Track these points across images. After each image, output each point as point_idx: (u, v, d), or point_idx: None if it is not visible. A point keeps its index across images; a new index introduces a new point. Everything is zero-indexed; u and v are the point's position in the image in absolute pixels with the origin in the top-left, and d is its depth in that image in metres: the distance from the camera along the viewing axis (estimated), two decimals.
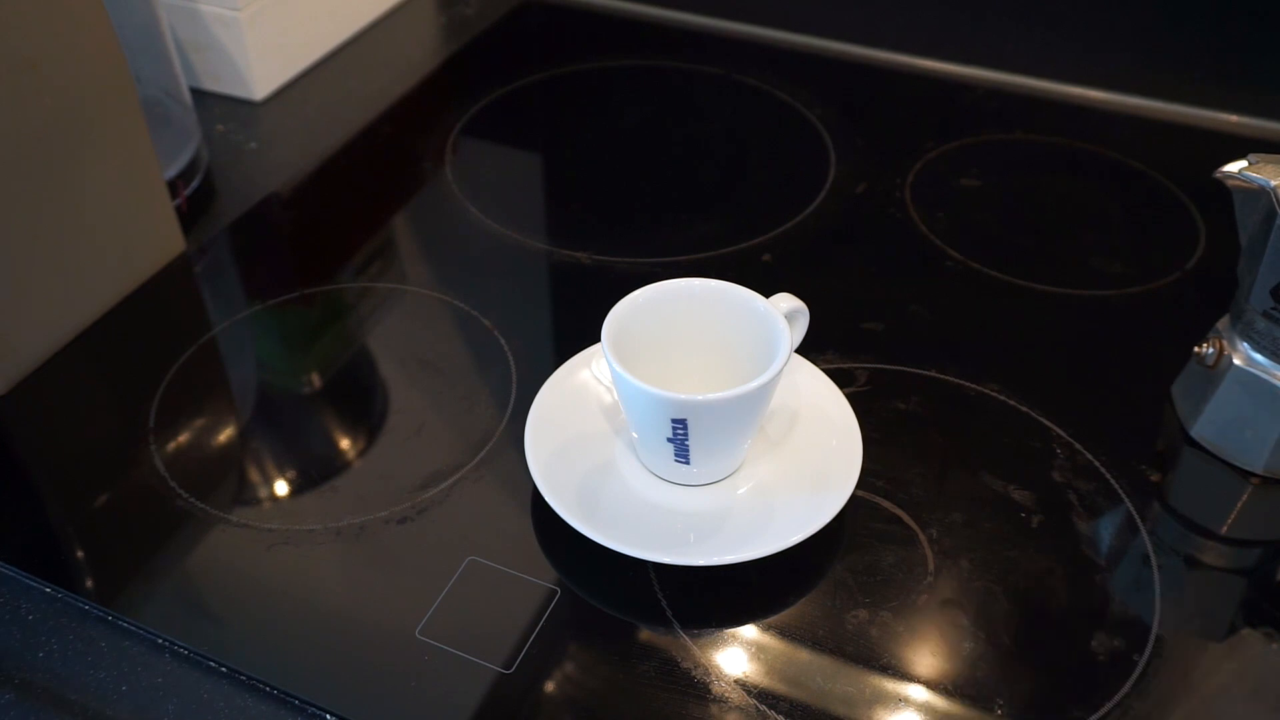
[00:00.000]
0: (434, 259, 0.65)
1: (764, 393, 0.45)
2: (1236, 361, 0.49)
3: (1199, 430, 0.51)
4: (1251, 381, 0.49)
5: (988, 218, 0.67)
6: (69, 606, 0.46)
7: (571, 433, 0.50)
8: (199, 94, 0.78)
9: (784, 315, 0.47)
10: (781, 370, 0.45)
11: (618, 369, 0.44)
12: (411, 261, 0.64)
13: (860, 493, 0.49)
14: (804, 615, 0.45)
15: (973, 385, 0.55)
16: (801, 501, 0.47)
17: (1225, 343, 0.50)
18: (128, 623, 0.45)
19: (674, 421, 0.44)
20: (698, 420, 0.44)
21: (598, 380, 0.52)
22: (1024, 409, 0.53)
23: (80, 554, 0.49)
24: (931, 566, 0.46)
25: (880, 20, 0.82)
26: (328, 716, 0.42)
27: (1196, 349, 0.51)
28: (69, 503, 0.50)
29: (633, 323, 0.47)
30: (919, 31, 0.81)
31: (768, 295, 0.48)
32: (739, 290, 0.48)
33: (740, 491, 0.48)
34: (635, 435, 0.48)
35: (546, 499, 0.46)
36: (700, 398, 0.43)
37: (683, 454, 0.46)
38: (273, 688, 0.42)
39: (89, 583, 0.47)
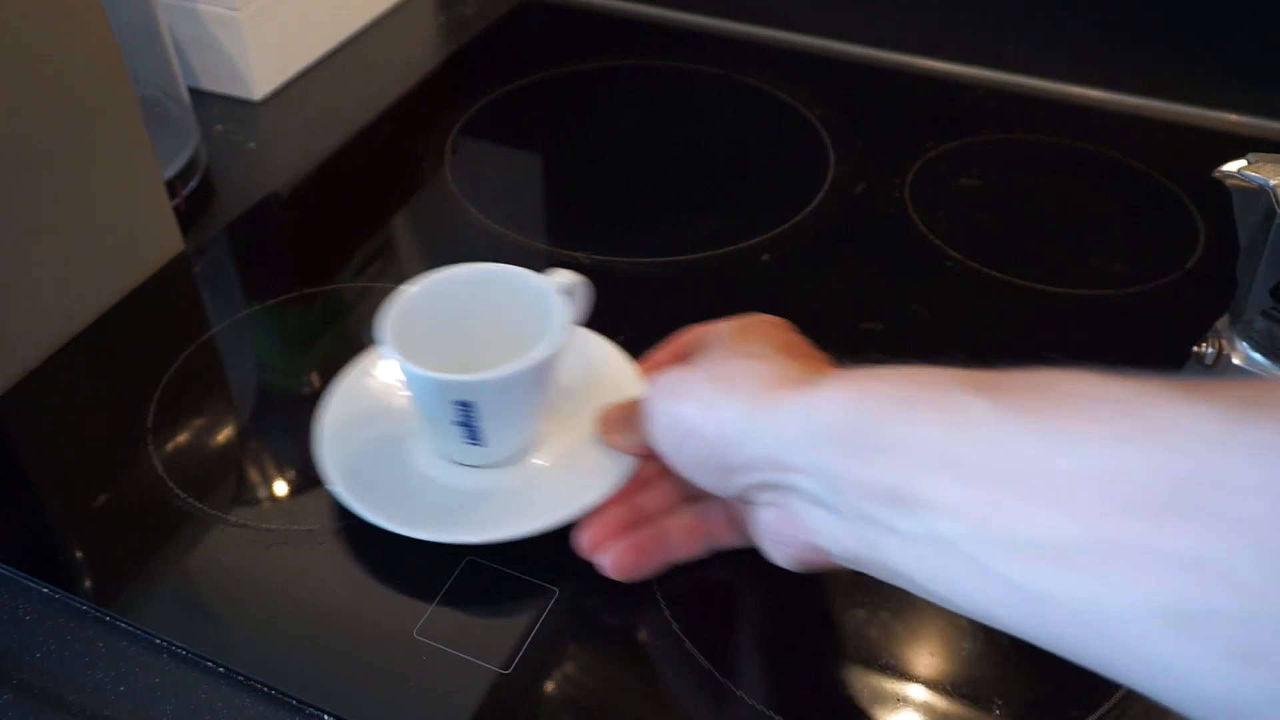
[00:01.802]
0: (433, 259, 0.65)
1: (544, 367, 0.45)
2: (1235, 361, 0.49)
3: None
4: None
5: (987, 218, 0.67)
6: (67, 607, 0.46)
7: (367, 435, 0.49)
8: (198, 94, 0.78)
9: (562, 290, 0.48)
10: (559, 343, 0.45)
11: (398, 358, 0.45)
12: (411, 261, 0.64)
13: None
14: (803, 615, 0.45)
15: None
16: (594, 469, 0.47)
17: (1224, 342, 0.50)
18: (126, 623, 0.45)
19: (459, 404, 0.45)
20: (482, 400, 0.45)
21: (375, 378, 0.52)
22: None
23: (78, 554, 0.49)
24: None
25: (880, 20, 0.82)
26: (326, 717, 0.42)
27: (1195, 348, 0.50)
28: (67, 503, 0.50)
29: (414, 316, 0.47)
30: (919, 31, 0.81)
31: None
32: (515, 271, 0.49)
33: (538, 465, 0.49)
34: (425, 423, 0.48)
35: (349, 505, 0.46)
36: (479, 377, 0.44)
37: (474, 436, 0.46)
38: (271, 688, 0.42)
39: (87, 583, 0.47)
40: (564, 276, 0.49)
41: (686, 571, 0.46)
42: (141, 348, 0.54)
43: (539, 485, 0.48)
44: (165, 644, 0.44)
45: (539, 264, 0.64)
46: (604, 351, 0.53)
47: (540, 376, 0.46)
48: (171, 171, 0.66)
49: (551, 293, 0.48)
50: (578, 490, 0.46)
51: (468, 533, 0.45)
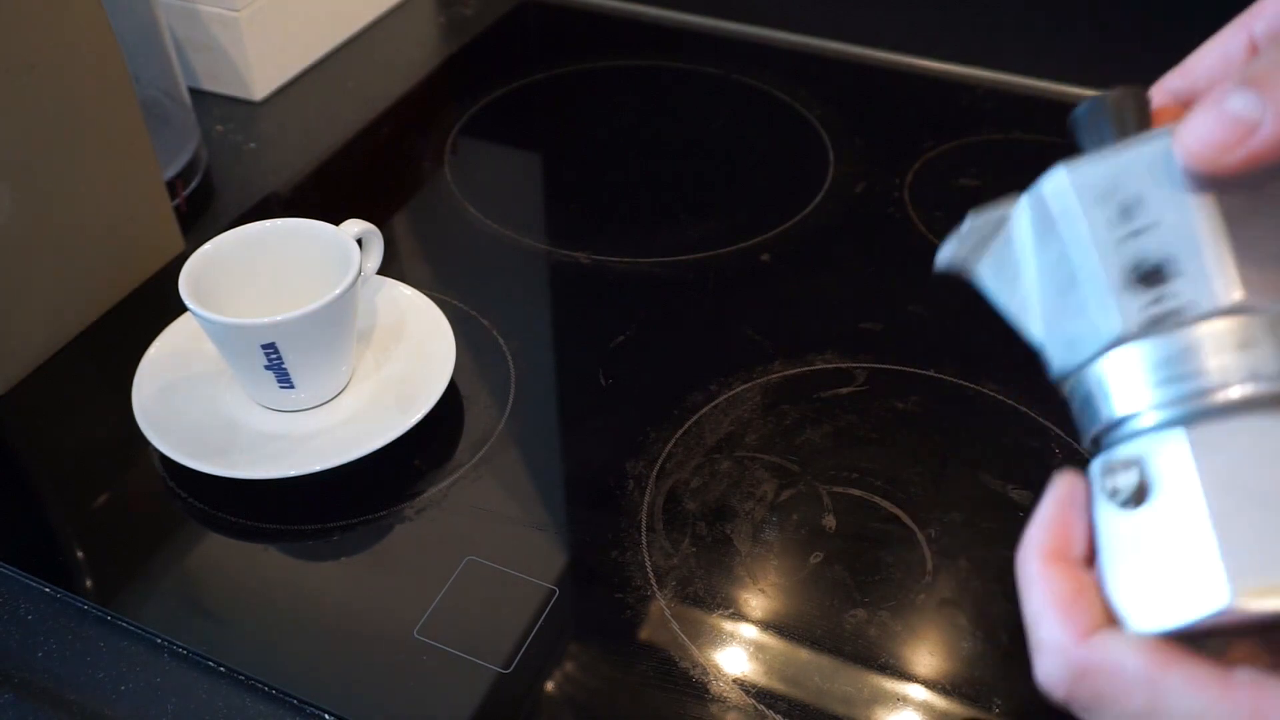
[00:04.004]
0: (433, 259, 0.65)
1: (341, 305, 0.49)
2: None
3: None
4: None
5: None
6: (68, 606, 0.46)
7: (185, 396, 0.53)
8: (198, 94, 0.78)
9: (355, 237, 0.52)
10: (355, 283, 0.49)
11: (200, 311, 0.48)
12: (410, 261, 0.64)
13: (859, 492, 0.49)
14: (802, 615, 0.45)
15: (971, 385, 0.55)
16: (403, 407, 0.51)
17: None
18: (126, 623, 0.45)
19: (264, 347, 0.48)
20: (286, 341, 0.48)
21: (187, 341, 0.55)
22: (1022, 409, 0.53)
23: (79, 554, 0.49)
24: (930, 566, 0.46)
25: (880, 20, 0.82)
26: (326, 716, 0.42)
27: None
28: (68, 503, 0.50)
29: (213, 272, 0.51)
30: (918, 31, 0.81)
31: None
32: (309, 223, 0.53)
33: (349, 405, 0.53)
34: (237, 373, 0.52)
35: (173, 456, 0.49)
36: (281, 318, 0.47)
37: (285, 379, 0.50)
38: (271, 687, 0.42)
39: (88, 583, 0.47)
40: (356, 226, 0.53)
41: (685, 571, 0.46)
42: (142, 348, 0.54)
43: (350, 422, 0.51)
44: (166, 643, 0.44)
45: (539, 265, 0.64)
46: (411, 296, 0.57)
47: (337, 316, 0.49)
48: (172, 172, 0.66)
49: (346, 239, 0.51)
50: (387, 425, 0.50)
51: (285, 467, 0.48)
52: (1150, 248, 0.25)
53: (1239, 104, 0.24)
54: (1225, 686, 0.22)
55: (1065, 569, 0.26)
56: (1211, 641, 0.25)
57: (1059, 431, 0.52)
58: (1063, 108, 0.77)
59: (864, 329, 0.58)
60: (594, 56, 0.83)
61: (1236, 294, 0.24)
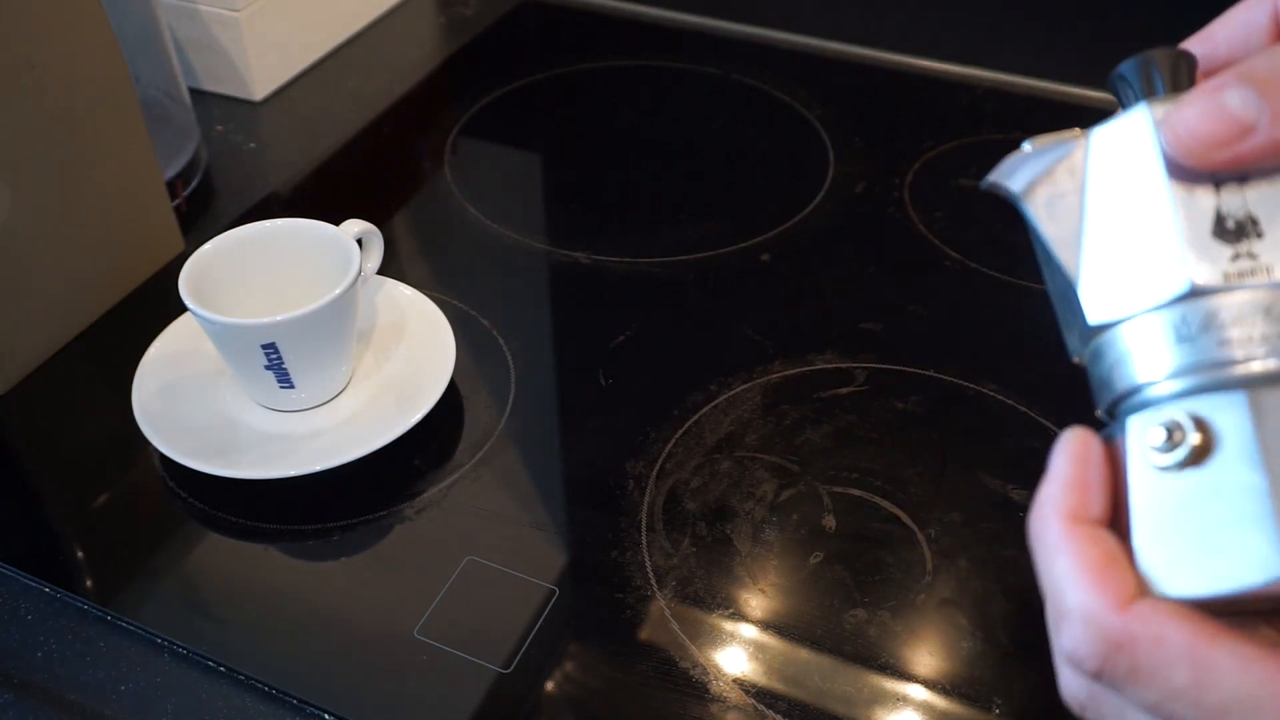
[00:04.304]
0: (433, 259, 0.65)
1: (341, 305, 0.49)
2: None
3: None
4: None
5: (987, 218, 0.67)
6: (68, 606, 0.46)
7: (185, 396, 0.53)
8: (198, 94, 0.78)
9: (355, 237, 0.52)
10: (355, 283, 0.49)
11: (200, 311, 0.47)
12: (410, 261, 0.64)
13: (859, 492, 0.49)
14: (802, 615, 0.45)
15: (971, 385, 0.55)
16: (403, 407, 0.51)
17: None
18: (127, 623, 0.45)
19: (264, 347, 0.48)
20: (287, 341, 0.48)
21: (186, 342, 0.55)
22: (1023, 409, 0.53)
23: (79, 554, 0.49)
24: (930, 566, 0.46)
25: (880, 20, 0.82)
26: (326, 716, 0.42)
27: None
28: (68, 503, 0.50)
29: (213, 272, 0.51)
30: (918, 31, 0.81)
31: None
32: (309, 223, 0.52)
33: (347, 405, 0.53)
34: (237, 373, 0.52)
35: (173, 456, 0.49)
36: (281, 318, 0.47)
37: (285, 379, 0.50)
38: (271, 687, 0.42)
39: (88, 583, 0.47)
40: (356, 226, 0.53)
41: (685, 571, 0.46)
42: (142, 348, 0.54)
43: (350, 422, 0.52)
44: (166, 643, 0.44)
45: (539, 265, 0.64)
46: (411, 296, 0.57)
47: (337, 316, 0.49)
48: (172, 172, 0.66)
49: (346, 239, 0.51)
50: (387, 425, 0.50)
51: (285, 467, 0.48)
52: (1235, 204, 0.25)
53: (1237, 101, 0.23)
54: (1274, 667, 0.21)
55: (1090, 532, 0.24)
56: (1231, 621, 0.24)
57: (1059, 431, 0.52)
58: (1063, 108, 0.77)
59: (864, 329, 0.58)
60: (594, 56, 0.83)
61: None
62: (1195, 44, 0.29)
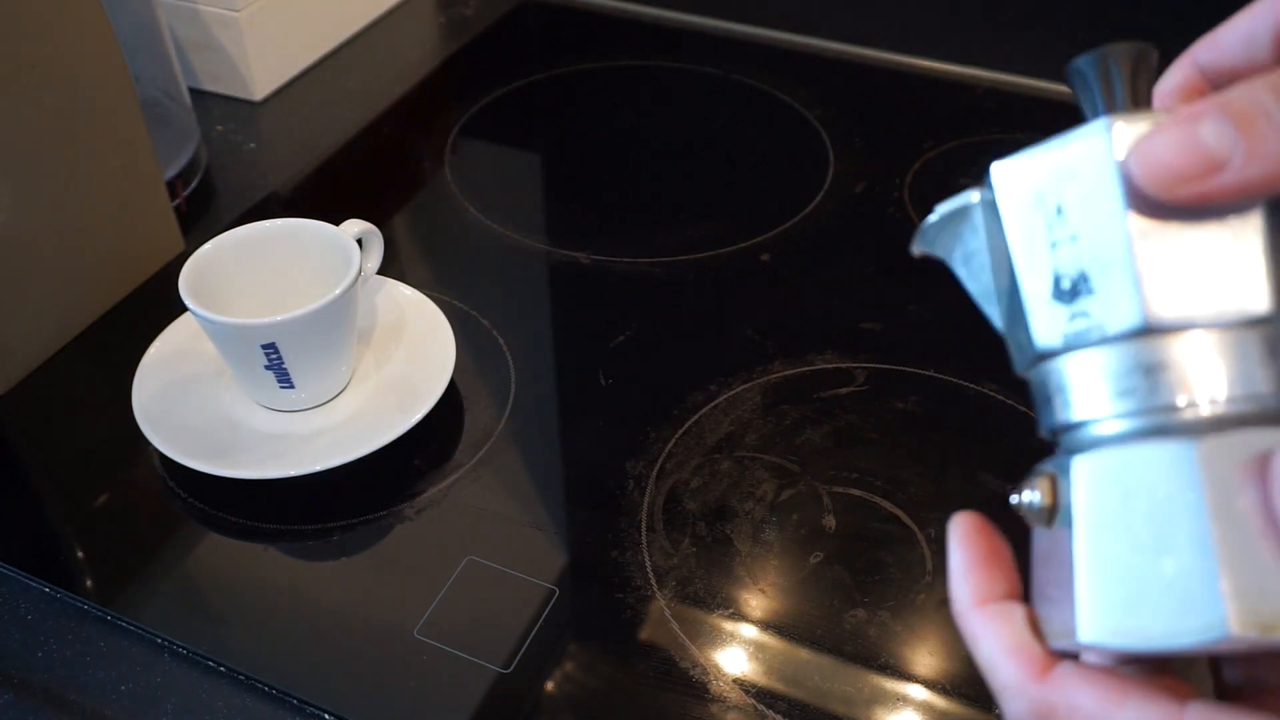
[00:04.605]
0: (433, 259, 0.65)
1: (342, 305, 0.49)
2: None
3: None
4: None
5: None
6: (68, 606, 0.46)
7: (185, 396, 0.53)
8: (198, 94, 0.78)
9: (355, 237, 0.52)
10: (355, 283, 0.49)
11: (200, 311, 0.47)
12: (410, 261, 0.64)
13: (859, 492, 0.49)
14: (802, 615, 0.45)
15: (971, 385, 0.55)
16: (397, 409, 0.51)
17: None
18: (127, 623, 0.45)
19: (264, 347, 0.48)
20: (286, 341, 0.48)
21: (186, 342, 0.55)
22: (1023, 409, 0.53)
23: (79, 554, 0.49)
24: (930, 566, 0.46)
25: (880, 20, 0.82)
26: (326, 716, 0.42)
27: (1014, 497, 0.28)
28: (68, 503, 0.50)
29: (213, 272, 0.51)
30: (919, 31, 0.81)
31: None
32: (309, 223, 0.52)
33: (347, 405, 0.53)
34: (237, 373, 0.52)
35: (173, 456, 0.48)
36: (281, 318, 0.47)
37: (285, 379, 0.49)
38: (271, 687, 0.42)
39: (88, 583, 0.47)
40: (356, 226, 0.53)
41: (685, 571, 0.46)
42: (142, 348, 0.54)
43: (350, 422, 0.51)
44: (166, 643, 0.44)
45: (539, 265, 0.64)
46: (411, 296, 0.57)
47: (337, 316, 0.49)
48: (172, 172, 0.66)
49: (347, 239, 0.51)
50: (387, 425, 0.50)
51: (286, 467, 0.48)
52: (1070, 260, 0.24)
53: (1213, 136, 0.22)
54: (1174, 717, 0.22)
55: (999, 610, 0.26)
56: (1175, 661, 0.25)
57: None
58: (1063, 108, 0.77)
59: (864, 329, 0.58)
60: (594, 56, 0.83)
61: (1140, 317, 0.23)
62: (1204, 49, 0.28)
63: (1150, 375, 0.23)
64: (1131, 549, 0.23)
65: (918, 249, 0.29)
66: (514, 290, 0.62)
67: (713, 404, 0.54)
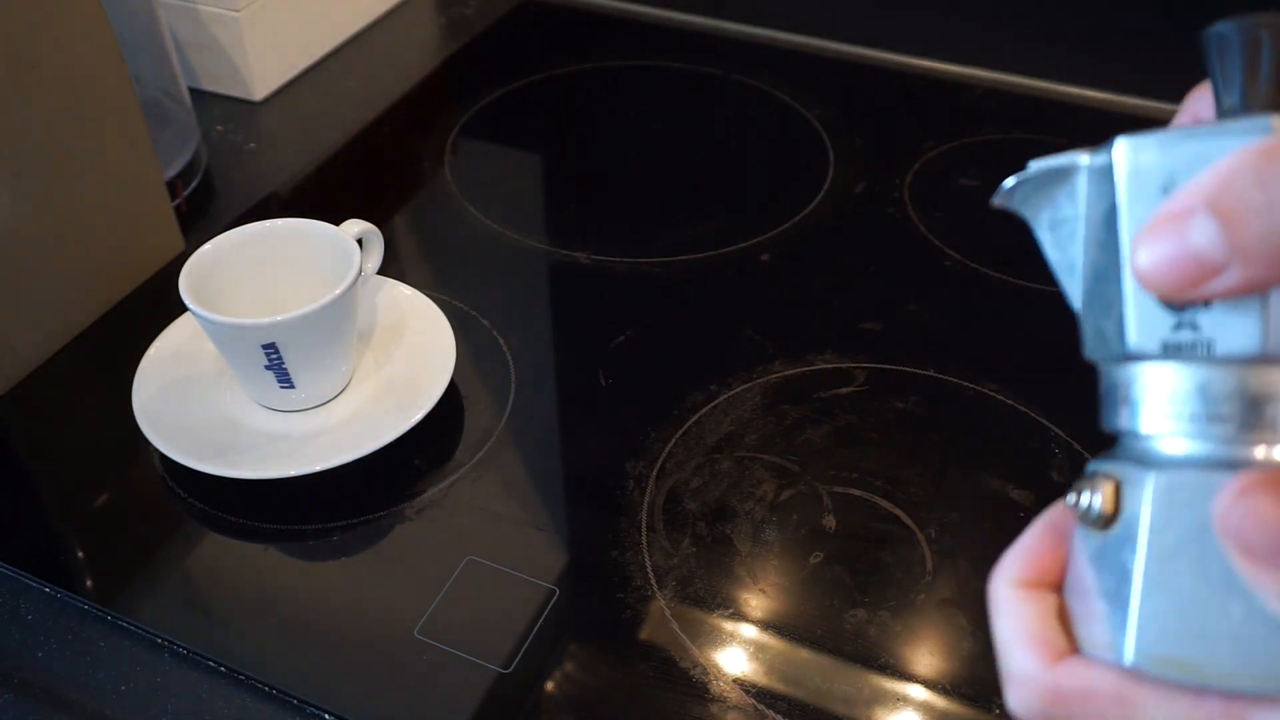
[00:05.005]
0: (433, 259, 0.65)
1: (342, 305, 0.49)
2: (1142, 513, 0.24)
3: None
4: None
5: (987, 218, 0.67)
6: (68, 606, 0.46)
7: (185, 396, 0.53)
8: (198, 94, 0.78)
9: (355, 237, 0.52)
10: (355, 283, 0.49)
11: (200, 311, 0.47)
12: (410, 261, 0.64)
13: (859, 492, 0.49)
14: (802, 614, 0.45)
15: (971, 385, 0.55)
16: (397, 409, 0.51)
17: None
18: (127, 623, 0.45)
19: (264, 347, 0.48)
20: (287, 341, 0.48)
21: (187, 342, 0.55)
22: (1022, 409, 0.53)
23: (79, 554, 0.49)
24: (930, 566, 0.46)
25: (880, 20, 0.82)
26: (326, 716, 0.42)
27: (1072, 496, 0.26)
28: (68, 503, 0.50)
29: (213, 272, 0.51)
30: (918, 31, 0.81)
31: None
32: (309, 223, 0.53)
33: (347, 405, 0.53)
34: (237, 373, 0.52)
35: (173, 456, 0.49)
36: (281, 318, 0.47)
37: (285, 379, 0.49)
38: (271, 687, 0.42)
39: (88, 583, 0.47)
40: (356, 226, 0.53)
41: (685, 571, 0.46)
42: (142, 348, 0.54)
43: (350, 422, 0.51)
44: (166, 643, 0.44)
45: (539, 265, 0.64)
46: (411, 296, 0.57)
47: (337, 316, 0.49)
48: (172, 172, 0.66)
49: (347, 239, 0.51)
50: (387, 425, 0.50)
51: (286, 467, 0.48)
52: None
53: (1202, 240, 0.21)
54: (1196, 696, 0.22)
55: (1033, 595, 0.26)
56: None
57: (1059, 431, 0.52)
58: (1063, 108, 0.77)
59: (864, 329, 0.58)
60: (594, 56, 0.83)
61: (1258, 345, 0.22)
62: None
63: (1251, 406, 0.22)
64: (1200, 582, 0.22)
65: (999, 202, 0.27)
66: (514, 290, 0.62)
67: (713, 404, 0.54)
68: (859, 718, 0.41)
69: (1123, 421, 0.24)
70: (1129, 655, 0.22)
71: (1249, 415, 0.22)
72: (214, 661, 0.43)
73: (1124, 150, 0.23)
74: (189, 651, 0.44)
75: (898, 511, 0.49)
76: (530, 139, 0.76)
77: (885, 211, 0.67)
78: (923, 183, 0.69)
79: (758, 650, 0.44)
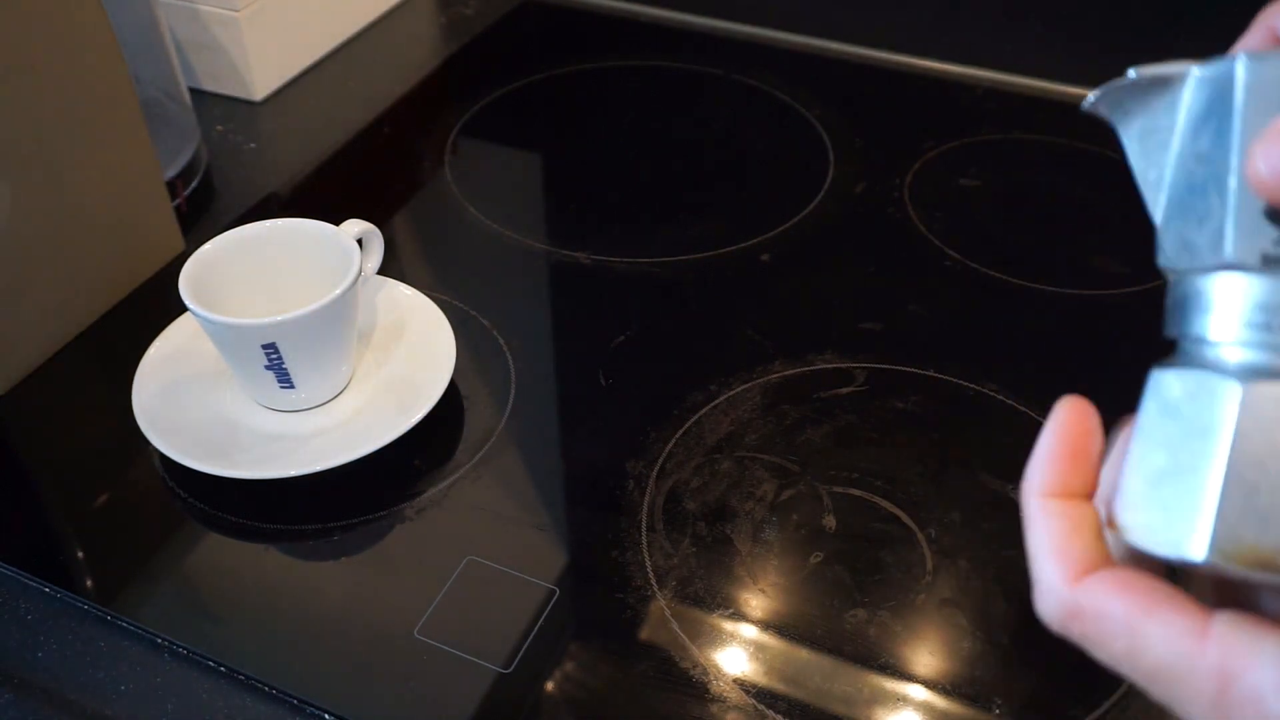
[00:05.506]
0: (433, 259, 0.65)
1: (342, 305, 0.49)
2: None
3: None
4: None
5: (987, 218, 0.67)
6: (68, 606, 0.46)
7: (185, 396, 0.53)
8: (198, 94, 0.78)
9: (355, 237, 0.52)
10: (355, 283, 0.49)
11: (200, 311, 0.47)
12: (410, 261, 0.64)
13: (859, 492, 0.49)
14: (802, 615, 0.45)
15: (971, 385, 0.55)
16: (397, 409, 0.51)
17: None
18: (127, 623, 0.45)
19: (264, 347, 0.48)
20: (287, 341, 0.48)
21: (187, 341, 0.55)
22: (1022, 408, 0.53)
23: (79, 554, 0.49)
24: (930, 566, 0.46)
25: (880, 20, 0.82)
26: (326, 716, 0.42)
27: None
28: (68, 503, 0.50)
29: (213, 272, 0.51)
30: (918, 31, 0.81)
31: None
32: (309, 223, 0.53)
33: (347, 405, 0.53)
34: (237, 373, 0.52)
35: (173, 456, 0.48)
36: (281, 318, 0.47)
37: (285, 379, 0.50)
38: (271, 687, 0.42)
39: (88, 583, 0.47)
40: (356, 226, 0.53)
41: (685, 571, 0.46)
42: (142, 348, 0.54)
43: (350, 422, 0.51)
44: (166, 643, 0.44)
45: (539, 265, 0.64)
46: (411, 296, 0.57)
47: (338, 316, 0.49)
48: (172, 172, 0.66)
49: (347, 239, 0.51)
50: (387, 425, 0.50)
51: (286, 467, 0.48)
52: None
53: None
54: (1199, 640, 0.23)
55: (1062, 506, 0.26)
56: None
57: None
58: (1063, 107, 0.77)
59: (864, 329, 0.58)
60: (594, 56, 0.83)
61: None
62: (1276, 13, 0.27)
63: None
64: (1170, 460, 0.24)
65: (1090, 104, 0.27)
66: (514, 290, 0.62)
67: (713, 404, 0.54)
68: (859, 718, 0.41)
69: (1200, 328, 0.25)
70: (1204, 551, 0.23)
71: None
72: (214, 661, 0.43)
73: (1245, 65, 0.24)
74: (189, 651, 0.44)
75: (898, 511, 0.49)
76: (530, 139, 0.76)
77: (885, 211, 0.67)
78: (923, 183, 0.69)
79: (758, 650, 0.44)
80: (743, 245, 0.64)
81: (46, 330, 0.56)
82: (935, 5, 0.81)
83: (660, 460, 0.51)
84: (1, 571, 0.47)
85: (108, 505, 0.50)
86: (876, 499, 0.49)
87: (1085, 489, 0.27)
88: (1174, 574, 0.26)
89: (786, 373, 0.55)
